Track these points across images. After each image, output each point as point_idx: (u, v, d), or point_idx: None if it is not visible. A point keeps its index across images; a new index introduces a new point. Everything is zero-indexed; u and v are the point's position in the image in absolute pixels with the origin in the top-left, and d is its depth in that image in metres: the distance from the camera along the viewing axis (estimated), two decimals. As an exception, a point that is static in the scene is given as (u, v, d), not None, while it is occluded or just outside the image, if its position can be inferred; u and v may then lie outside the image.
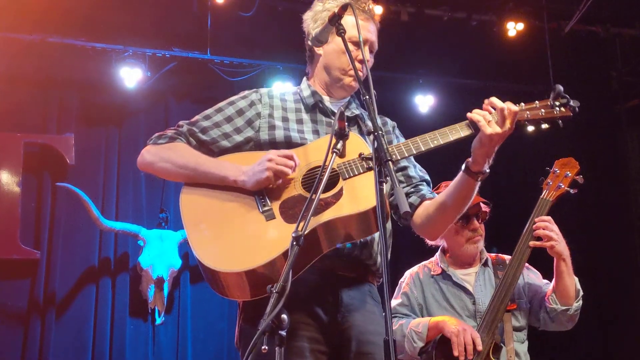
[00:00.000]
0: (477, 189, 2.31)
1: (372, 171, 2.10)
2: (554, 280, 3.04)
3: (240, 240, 2.18)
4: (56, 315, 5.42)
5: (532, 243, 2.98)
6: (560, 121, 2.27)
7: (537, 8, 6.34)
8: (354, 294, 2.29)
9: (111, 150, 5.83)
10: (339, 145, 1.97)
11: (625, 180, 6.83)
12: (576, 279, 3.05)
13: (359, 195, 2.16)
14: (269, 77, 5.89)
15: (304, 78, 2.59)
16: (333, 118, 2.42)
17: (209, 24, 5.77)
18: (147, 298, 5.57)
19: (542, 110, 2.26)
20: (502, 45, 6.22)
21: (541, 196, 3.06)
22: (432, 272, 3.30)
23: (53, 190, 5.63)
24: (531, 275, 3.26)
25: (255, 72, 5.91)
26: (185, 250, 5.59)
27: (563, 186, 3.04)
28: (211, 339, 5.76)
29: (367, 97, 2.03)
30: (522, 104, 2.26)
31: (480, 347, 2.85)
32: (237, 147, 2.40)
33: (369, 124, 2.45)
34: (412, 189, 2.47)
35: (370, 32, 2.44)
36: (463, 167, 2.27)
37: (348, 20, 2.27)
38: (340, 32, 2.18)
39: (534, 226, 2.98)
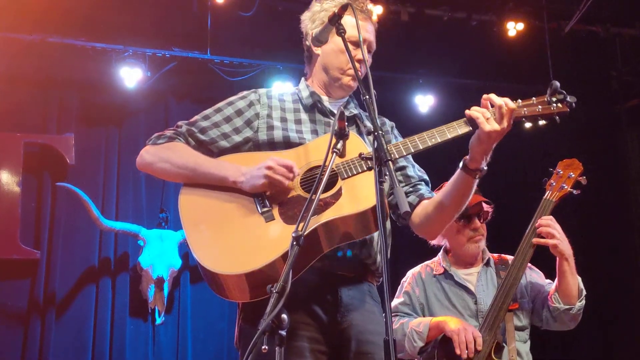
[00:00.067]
0: (475, 186, 2.30)
1: (371, 171, 2.11)
2: (556, 279, 3.05)
3: (240, 241, 2.18)
4: (56, 315, 5.42)
5: (535, 240, 2.99)
6: (557, 117, 2.27)
7: (537, 8, 6.34)
8: (353, 294, 2.29)
9: (111, 150, 5.84)
10: (339, 145, 1.97)
11: (625, 181, 6.83)
12: (579, 278, 3.05)
13: (359, 195, 2.16)
14: (269, 77, 5.89)
15: (302, 78, 2.60)
16: (332, 118, 2.44)
17: (209, 24, 5.77)
18: (147, 298, 5.57)
19: (539, 106, 2.26)
20: (502, 45, 6.22)
21: (544, 197, 3.07)
22: (434, 272, 3.30)
23: (53, 190, 5.63)
24: (534, 275, 3.26)
25: (255, 72, 5.91)
26: (185, 250, 5.59)
27: (566, 187, 3.05)
28: (211, 339, 5.76)
29: (367, 97, 2.03)
30: (519, 100, 2.26)
31: (480, 347, 2.86)
32: (236, 148, 2.40)
33: (368, 124, 2.46)
34: (411, 189, 2.47)
35: (368, 32, 2.46)
36: (461, 164, 2.27)
37: (347, 20, 2.27)
38: (341, 31, 2.18)
39: (536, 225, 2.99)
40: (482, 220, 3.28)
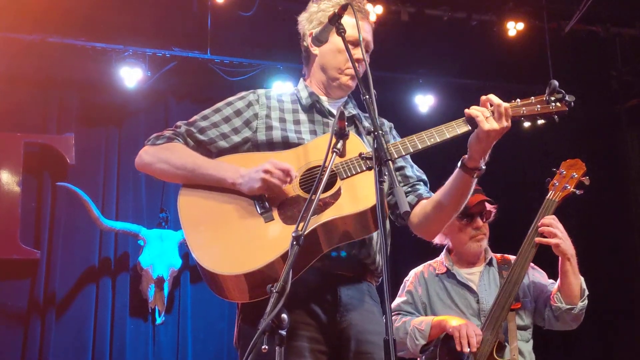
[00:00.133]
0: (473, 186, 2.31)
1: (370, 171, 2.11)
2: (559, 279, 3.05)
3: (239, 242, 2.18)
4: (56, 315, 5.42)
5: (537, 239, 2.99)
6: (555, 116, 2.27)
7: (537, 8, 6.34)
8: (352, 293, 2.30)
9: (111, 150, 5.84)
10: (339, 145, 1.97)
11: (625, 181, 6.83)
12: (582, 278, 3.05)
13: (358, 194, 2.16)
14: (269, 77, 5.89)
15: (301, 79, 2.60)
16: (330, 118, 2.44)
17: (209, 23, 5.77)
18: (147, 298, 5.57)
19: (538, 105, 2.27)
20: (502, 45, 6.22)
21: (547, 197, 3.08)
22: (436, 271, 3.31)
23: (53, 190, 5.64)
24: (536, 275, 3.27)
25: (255, 72, 5.91)
26: (185, 250, 5.59)
27: (569, 187, 3.05)
28: (211, 339, 5.76)
29: (367, 96, 2.03)
30: (518, 100, 2.27)
31: (479, 344, 2.86)
32: (235, 148, 2.40)
33: (366, 124, 2.47)
34: (410, 189, 2.48)
35: (366, 32, 2.47)
36: (459, 163, 2.28)
37: (346, 20, 2.27)
38: (341, 31, 2.19)
39: (539, 223, 3.00)
40: (484, 220, 3.29)
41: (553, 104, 2.26)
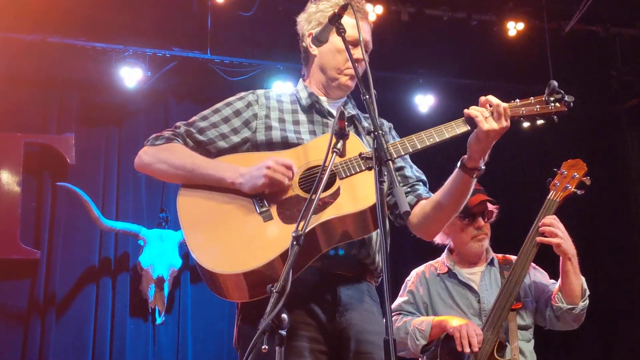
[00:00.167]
0: (473, 186, 2.31)
1: (369, 170, 2.11)
2: (560, 279, 3.05)
3: (238, 241, 2.18)
4: (56, 315, 5.43)
5: (538, 239, 3.00)
6: (555, 117, 2.28)
7: (537, 8, 6.34)
8: (352, 293, 2.30)
9: (111, 150, 5.84)
10: (339, 145, 1.97)
11: (625, 181, 6.83)
12: (583, 278, 3.06)
13: (358, 194, 2.16)
14: (269, 77, 5.89)
15: (300, 79, 2.61)
16: (329, 118, 2.44)
17: (209, 23, 5.77)
18: (147, 298, 5.57)
19: (537, 106, 2.27)
20: (502, 45, 6.22)
21: (548, 197, 3.08)
22: (438, 271, 3.32)
23: (53, 190, 5.64)
24: (537, 275, 3.27)
25: (255, 72, 5.91)
26: (185, 250, 5.59)
27: (570, 187, 3.06)
28: (211, 339, 5.76)
29: (367, 96, 2.03)
30: (517, 100, 2.27)
31: (480, 344, 2.86)
32: (234, 148, 2.40)
33: (366, 124, 2.47)
34: (409, 189, 2.48)
35: (366, 32, 2.47)
36: (459, 163, 2.28)
37: (346, 20, 2.27)
38: (341, 31, 2.19)
39: (540, 223, 3.00)
40: (486, 220, 3.29)
41: (552, 104, 2.27)
